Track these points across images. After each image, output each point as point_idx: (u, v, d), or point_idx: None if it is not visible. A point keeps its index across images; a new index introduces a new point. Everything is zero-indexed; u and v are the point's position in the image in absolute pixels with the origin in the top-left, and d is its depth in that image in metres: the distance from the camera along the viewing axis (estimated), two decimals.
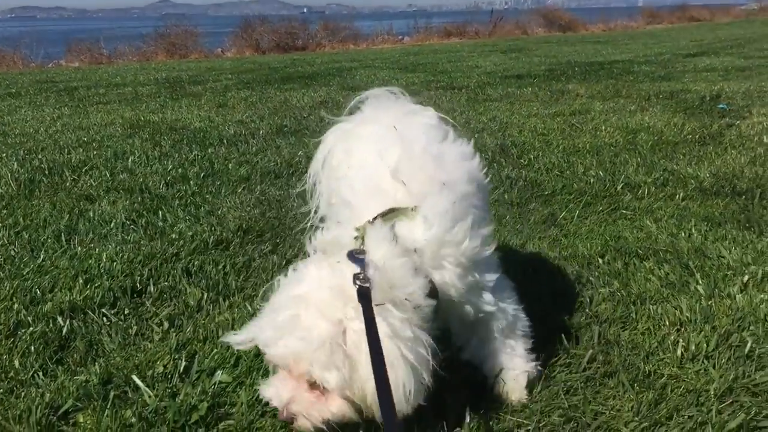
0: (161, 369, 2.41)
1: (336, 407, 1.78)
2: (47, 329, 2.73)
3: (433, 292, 1.89)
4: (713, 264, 3.20)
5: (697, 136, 6.01)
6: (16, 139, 6.99)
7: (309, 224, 2.79)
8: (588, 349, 2.44)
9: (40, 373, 2.42)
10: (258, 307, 2.13)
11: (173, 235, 3.81)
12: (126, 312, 2.91)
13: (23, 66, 19.28)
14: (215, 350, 2.53)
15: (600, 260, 3.29)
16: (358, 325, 1.71)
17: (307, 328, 1.72)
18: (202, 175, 5.20)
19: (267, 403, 2.18)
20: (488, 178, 2.36)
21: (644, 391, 2.20)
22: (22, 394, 2.29)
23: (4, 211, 4.37)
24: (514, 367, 2.21)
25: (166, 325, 2.77)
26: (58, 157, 5.98)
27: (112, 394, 2.26)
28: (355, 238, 1.91)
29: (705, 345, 2.44)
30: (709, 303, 2.78)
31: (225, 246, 3.67)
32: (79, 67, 19.01)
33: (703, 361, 2.36)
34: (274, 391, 1.84)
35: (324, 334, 1.71)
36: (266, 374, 2.34)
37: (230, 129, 7.20)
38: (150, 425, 2.10)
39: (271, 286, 1.91)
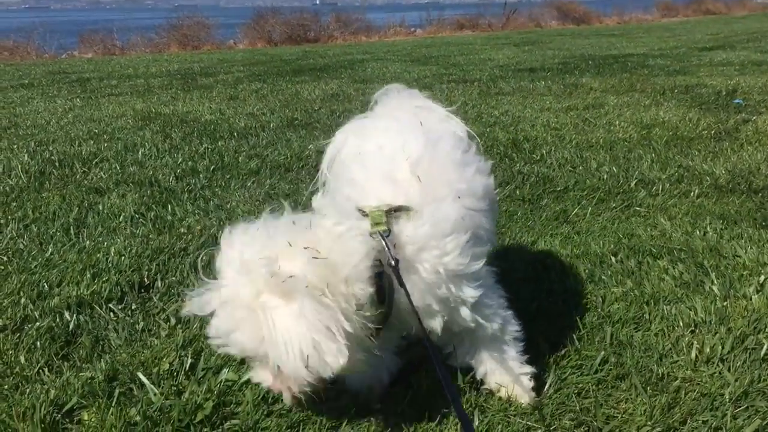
0: (167, 366, 2.39)
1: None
2: (54, 324, 2.71)
3: (380, 296, 1.83)
4: (729, 263, 3.14)
5: (712, 132, 5.92)
6: (28, 131, 6.99)
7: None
8: (600, 351, 2.40)
9: (46, 370, 2.41)
10: None
11: (182, 229, 3.79)
12: (133, 307, 2.89)
13: (37, 57, 19.33)
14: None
15: (613, 258, 3.24)
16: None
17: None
18: (211, 168, 5.18)
19: (273, 403, 2.17)
20: (498, 198, 2.29)
21: (657, 394, 2.16)
22: (27, 390, 2.27)
23: (14, 204, 4.37)
24: (510, 371, 2.16)
25: (173, 321, 2.75)
26: (69, 149, 5.97)
27: (117, 391, 2.25)
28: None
29: (720, 347, 2.40)
30: (725, 304, 2.73)
31: None
32: (92, 58, 19.05)
33: (717, 364, 2.32)
34: (258, 375, 1.90)
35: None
36: None
37: (241, 122, 7.17)
38: (155, 424, 2.07)
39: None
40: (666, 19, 35.51)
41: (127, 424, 2.08)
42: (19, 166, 5.26)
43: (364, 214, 1.90)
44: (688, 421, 2.03)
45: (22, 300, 2.93)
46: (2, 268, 3.33)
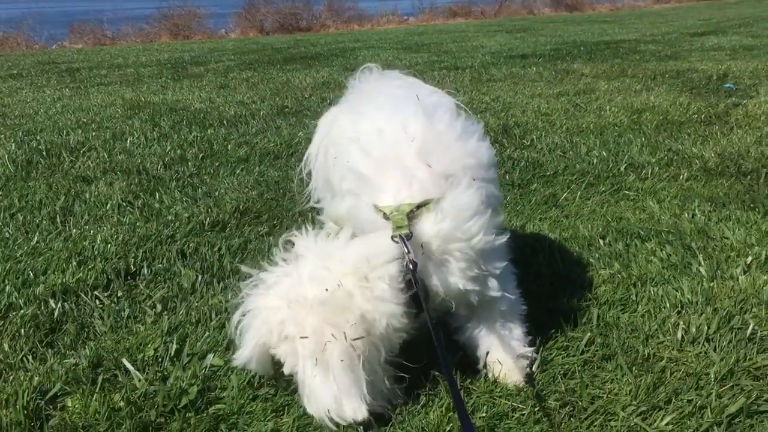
0: (152, 352, 2.38)
1: None
2: (39, 312, 2.70)
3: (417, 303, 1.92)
4: (716, 245, 3.14)
5: (702, 116, 5.92)
6: (16, 121, 6.94)
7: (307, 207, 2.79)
8: (586, 332, 2.40)
9: (30, 357, 2.40)
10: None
11: (169, 217, 3.77)
12: (119, 294, 2.88)
13: (26, 47, 19.18)
14: (207, 333, 2.50)
15: (601, 241, 3.24)
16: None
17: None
18: (200, 156, 5.15)
19: (258, 387, 2.17)
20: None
21: (643, 374, 2.16)
22: (11, 377, 2.26)
23: (0, 193, 4.34)
24: (511, 350, 2.17)
25: (159, 307, 2.73)
26: (57, 138, 5.93)
27: (101, 377, 2.23)
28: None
29: (706, 327, 2.40)
30: (711, 285, 2.73)
31: (221, 227, 3.63)
32: (83, 48, 18.92)
33: (703, 344, 2.32)
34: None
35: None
36: None
37: (231, 110, 7.13)
38: (139, 409, 2.06)
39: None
40: (658, 5, 35.39)
41: (111, 410, 2.07)
42: (6, 156, 5.23)
43: (385, 216, 1.94)
44: (673, 400, 2.03)
45: (7, 288, 2.91)
46: None
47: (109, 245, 3.36)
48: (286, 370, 1.97)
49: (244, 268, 2.13)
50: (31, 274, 3.06)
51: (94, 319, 2.67)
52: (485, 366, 2.18)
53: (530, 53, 11.75)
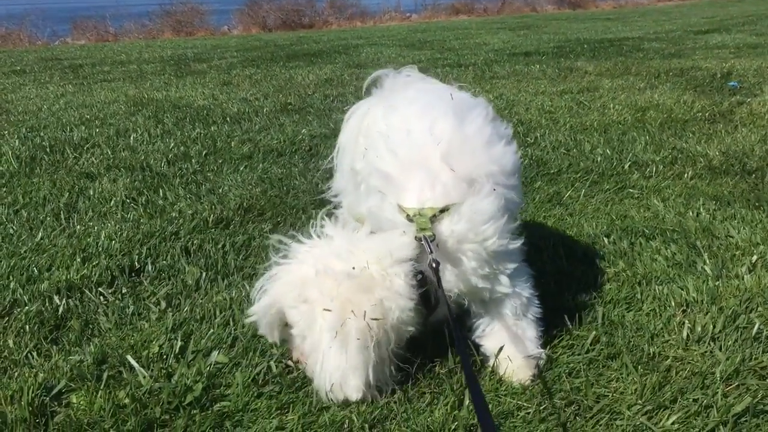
0: (157, 349, 2.38)
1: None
2: (43, 308, 2.70)
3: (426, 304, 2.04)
4: (721, 244, 3.13)
5: (707, 114, 5.90)
6: (19, 117, 6.94)
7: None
8: (591, 331, 2.40)
9: (35, 353, 2.40)
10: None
11: (173, 214, 3.77)
12: (123, 291, 2.88)
13: (29, 43, 19.18)
14: (212, 330, 2.49)
15: (605, 240, 3.23)
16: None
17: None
18: (204, 153, 5.15)
19: (263, 384, 2.17)
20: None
21: (648, 373, 2.15)
22: (15, 374, 2.26)
23: (4, 189, 4.34)
24: (523, 348, 2.18)
25: (163, 304, 2.73)
26: (60, 134, 5.93)
27: (106, 374, 2.23)
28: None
29: (711, 326, 2.39)
30: (717, 283, 2.72)
31: (225, 224, 3.63)
32: (85, 44, 18.92)
33: (709, 343, 2.31)
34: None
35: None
36: (263, 354, 2.32)
37: (234, 107, 7.13)
38: (144, 406, 2.06)
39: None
40: (662, 3, 35.32)
41: (116, 406, 2.07)
42: (10, 152, 5.23)
43: (408, 218, 2.02)
44: (679, 399, 2.03)
45: (11, 284, 2.91)
46: None
47: (113, 242, 3.37)
48: (294, 331, 2.06)
49: (274, 237, 2.19)
50: (36, 271, 3.06)
51: (99, 315, 2.67)
52: (495, 362, 2.18)
53: (533, 51, 11.73)
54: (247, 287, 2.81)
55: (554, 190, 4.03)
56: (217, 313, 2.64)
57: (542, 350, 2.23)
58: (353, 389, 1.99)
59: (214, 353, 2.33)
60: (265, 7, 23.87)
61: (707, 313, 2.48)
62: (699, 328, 2.38)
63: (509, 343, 2.18)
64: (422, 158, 2.08)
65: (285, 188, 4.20)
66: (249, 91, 8.25)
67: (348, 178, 2.67)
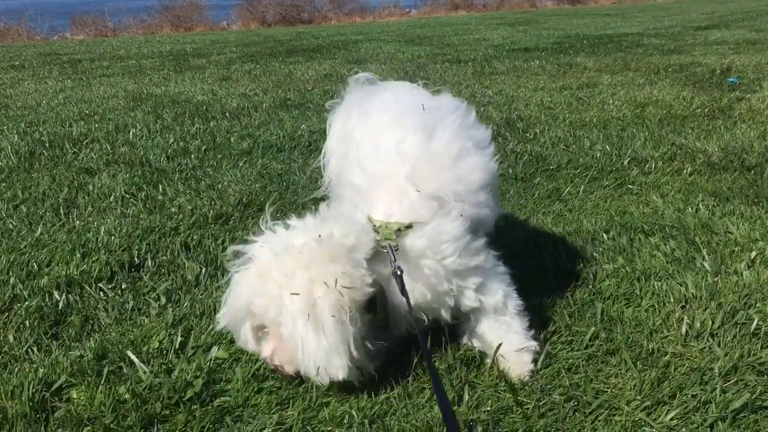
0: (157, 345, 2.38)
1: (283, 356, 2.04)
2: (43, 304, 2.70)
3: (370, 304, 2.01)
4: (720, 240, 3.13)
5: (706, 110, 5.90)
6: (18, 112, 6.94)
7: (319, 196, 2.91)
8: (590, 326, 2.40)
9: (35, 349, 2.40)
10: None
11: (173, 209, 3.77)
12: (123, 287, 2.88)
13: (28, 39, 19.16)
14: (212, 326, 2.49)
15: (605, 236, 3.24)
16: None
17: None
18: (203, 148, 5.14)
19: (263, 380, 2.17)
20: (498, 164, 2.36)
21: (647, 369, 2.16)
22: (16, 369, 2.26)
23: (3, 184, 4.34)
24: (512, 343, 2.18)
25: (163, 300, 2.74)
26: (59, 130, 5.93)
27: (106, 369, 2.23)
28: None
29: (710, 322, 2.39)
30: (716, 279, 2.72)
31: (225, 220, 3.63)
32: (84, 39, 18.89)
33: (707, 339, 2.32)
34: (262, 349, 2.10)
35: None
36: None
37: (233, 102, 7.13)
38: (144, 401, 2.07)
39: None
40: None
41: (116, 401, 2.07)
42: (9, 147, 5.22)
43: (375, 229, 2.05)
44: (678, 395, 2.04)
45: (11, 280, 2.92)
46: None
47: (112, 237, 3.37)
48: (267, 321, 2.00)
49: (230, 250, 2.16)
50: (35, 266, 3.06)
51: (99, 311, 2.67)
52: (493, 361, 2.18)
53: (533, 46, 11.72)
54: None
55: (553, 186, 4.03)
56: (217, 308, 2.62)
57: (534, 342, 2.22)
58: (338, 369, 1.93)
59: (214, 349, 2.34)
60: (264, 2, 23.85)
61: (706, 309, 2.49)
62: (698, 324, 2.39)
63: (496, 340, 2.18)
64: (389, 175, 2.12)
65: (284, 184, 4.20)
66: (248, 86, 8.24)
67: (336, 181, 2.69)
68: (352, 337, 1.92)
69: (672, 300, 2.58)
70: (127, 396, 2.09)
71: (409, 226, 2.05)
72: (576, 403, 2.03)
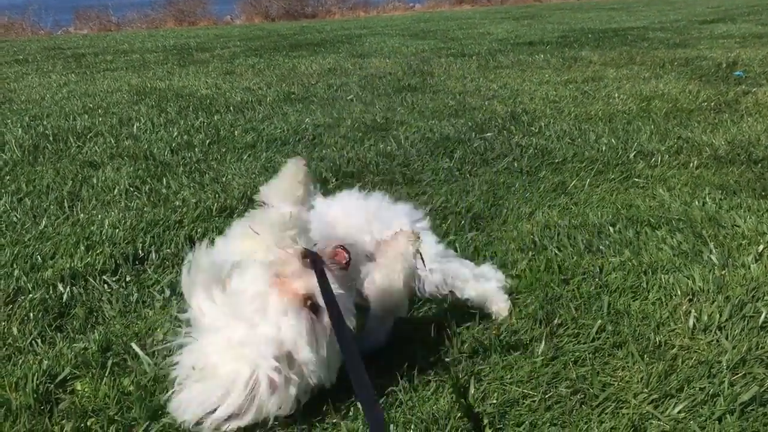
0: (161, 337, 2.37)
1: None
2: (47, 296, 2.69)
3: None
4: (727, 233, 3.11)
5: (712, 104, 5.87)
6: (22, 106, 6.94)
7: None
8: (597, 319, 2.38)
9: (39, 341, 2.39)
10: None
11: (177, 202, 3.76)
12: (127, 279, 2.87)
13: (32, 33, 19.18)
14: None
15: (611, 229, 3.22)
16: None
17: None
18: (207, 142, 5.13)
19: None
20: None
21: (654, 362, 2.14)
22: (20, 361, 2.26)
23: (8, 177, 4.33)
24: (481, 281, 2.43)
25: (167, 292, 2.73)
26: (63, 123, 5.93)
27: (110, 362, 2.23)
28: None
29: (718, 315, 2.38)
30: (723, 273, 2.70)
31: (229, 213, 3.61)
32: (88, 34, 18.89)
33: (715, 332, 2.30)
34: None
35: None
36: None
37: (237, 96, 7.11)
38: (149, 393, 2.06)
39: None
40: None
41: (120, 393, 2.06)
42: (13, 141, 5.22)
43: None
44: (685, 388, 2.02)
45: (15, 272, 2.91)
46: None
47: (116, 230, 3.36)
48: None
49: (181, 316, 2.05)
50: (40, 259, 3.06)
51: (103, 303, 2.66)
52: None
53: (538, 40, 11.68)
54: None
55: (559, 179, 4.01)
56: None
57: (488, 268, 2.52)
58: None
59: None
60: None
61: (713, 302, 2.47)
62: (705, 317, 2.37)
63: (448, 286, 2.36)
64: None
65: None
66: (252, 80, 8.22)
67: None
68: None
69: (679, 293, 2.56)
70: (131, 388, 2.08)
71: None
72: (582, 395, 2.01)
